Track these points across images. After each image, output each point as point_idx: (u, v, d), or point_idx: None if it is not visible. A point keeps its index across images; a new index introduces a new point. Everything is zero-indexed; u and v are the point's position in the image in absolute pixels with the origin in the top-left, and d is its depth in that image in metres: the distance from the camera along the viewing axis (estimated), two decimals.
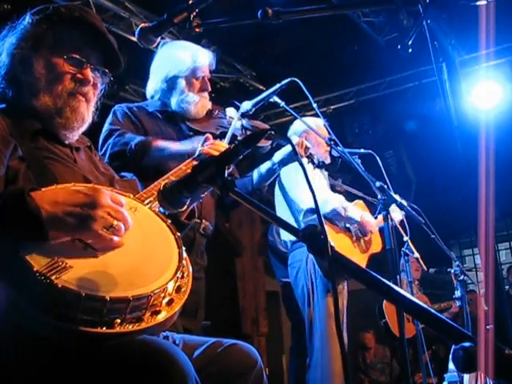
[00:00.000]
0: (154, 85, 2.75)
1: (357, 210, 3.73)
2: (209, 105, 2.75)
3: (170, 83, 2.68)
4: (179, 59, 2.68)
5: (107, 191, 1.33)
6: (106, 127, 2.51)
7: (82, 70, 1.62)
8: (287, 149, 2.73)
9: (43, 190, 1.31)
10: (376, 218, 3.80)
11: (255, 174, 2.84)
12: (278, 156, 2.77)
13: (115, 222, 1.29)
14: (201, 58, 2.72)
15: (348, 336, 3.50)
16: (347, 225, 3.74)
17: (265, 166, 2.82)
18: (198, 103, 2.68)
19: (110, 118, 2.54)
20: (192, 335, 1.75)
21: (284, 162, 2.79)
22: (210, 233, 2.67)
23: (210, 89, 2.77)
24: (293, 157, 2.76)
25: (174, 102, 2.69)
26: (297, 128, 3.87)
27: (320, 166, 2.91)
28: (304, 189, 3.57)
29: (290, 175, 3.70)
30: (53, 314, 1.15)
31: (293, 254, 3.67)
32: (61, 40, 1.62)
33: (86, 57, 1.63)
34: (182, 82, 2.67)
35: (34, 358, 1.21)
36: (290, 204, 3.73)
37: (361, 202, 4.11)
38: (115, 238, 1.29)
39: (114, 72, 1.73)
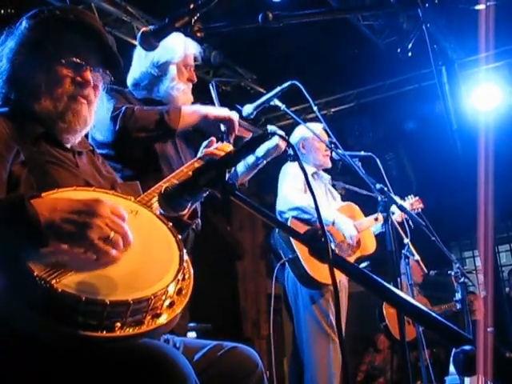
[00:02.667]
0: (140, 70, 2.66)
1: (330, 211, 3.71)
2: (191, 97, 2.71)
3: (162, 69, 2.62)
4: (171, 45, 2.62)
5: (109, 203, 1.30)
6: (108, 106, 2.39)
7: (82, 72, 1.62)
8: (270, 143, 2.73)
9: (43, 195, 1.31)
10: (376, 219, 3.80)
11: (239, 169, 2.85)
12: (262, 150, 2.78)
13: (112, 234, 1.26)
14: (191, 46, 2.69)
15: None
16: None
17: (249, 161, 2.82)
18: (186, 92, 2.66)
19: (106, 98, 2.42)
20: (192, 339, 1.75)
21: (268, 155, 2.80)
22: (199, 229, 2.66)
23: (195, 80, 2.73)
24: (275, 150, 2.76)
25: (162, 89, 2.64)
26: (295, 135, 3.91)
27: (294, 159, 2.91)
28: (285, 192, 3.61)
29: (281, 177, 3.74)
30: (53, 318, 1.15)
31: None
32: (58, 44, 1.62)
33: (84, 59, 1.63)
34: (173, 69, 2.63)
35: (34, 361, 1.21)
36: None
37: (351, 204, 4.10)
38: (112, 251, 1.26)
39: (113, 71, 1.73)
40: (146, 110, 2.39)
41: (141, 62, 2.66)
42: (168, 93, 2.63)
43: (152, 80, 2.64)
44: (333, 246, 3.70)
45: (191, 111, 2.44)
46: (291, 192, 3.64)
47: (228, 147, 2.14)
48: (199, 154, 2.11)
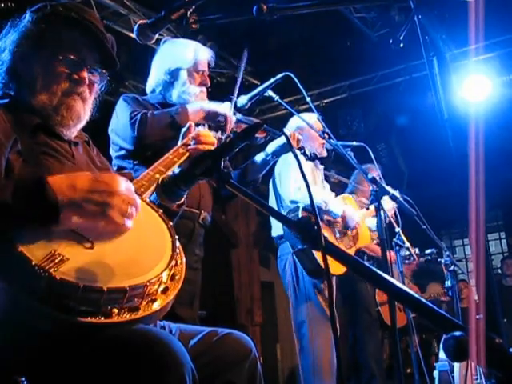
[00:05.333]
0: (155, 78, 2.82)
1: (339, 205, 3.76)
2: (206, 100, 2.80)
3: (173, 75, 2.76)
4: (182, 53, 2.77)
5: (122, 179, 1.35)
6: (126, 113, 2.52)
7: (78, 70, 1.65)
8: (280, 140, 2.79)
9: (60, 176, 1.32)
10: (367, 209, 3.84)
11: (250, 166, 2.89)
12: (272, 147, 2.83)
13: (129, 209, 1.32)
14: (202, 53, 2.82)
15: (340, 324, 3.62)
16: (329, 219, 3.77)
17: (259, 158, 2.87)
18: (198, 96, 2.75)
19: (124, 106, 2.58)
20: (188, 325, 1.78)
21: (277, 153, 2.85)
22: (208, 224, 2.71)
23: (209, 84, 2.83)
24: (286, 148, 2.82)
25: (175, 94, 2.76)
26: (291, 124, 3.93)
27: (312, 158, 2.97)
28: (291, 183, 3.63)
29: (282, 169, 3.75)
30: (52, 306, 1.16)
31: (281, 247, 3.77)
32: (59, 40, 1.64)
33: (83, 58, 1.66)
34: (184, 74, 2.75)
35: (35, 352, 1.23)
36: (277, 197, 3.79)
37: (346, 195, 4.15)
38: (127, 223, 1.33)
39: (110, 71, 1.76)
40: (157, 115, 2.52)
41: (157, 71, 2.82)
42: (180, 97, 2.75)
43: (165, 86, 2.78)
44: (338, 235, 3.77)
45: (196, 109, 2.58)
46: (304, 186, 3.64)
47: (208, 135, 2.15)
48: (180, 140, 2.14)
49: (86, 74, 1.65)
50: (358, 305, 4.53)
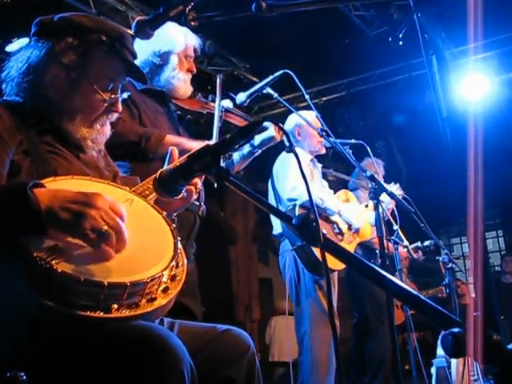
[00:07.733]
0: (141, 58, 2.68)
1: (335, 202, 3.77)
2: (191, 88, 2.77)
3: (163, 58, 2.69)
4: (173, 36, 2.69)
5: (109, 198, 1.30)
6: None
7: (116, 102, 1.69)
8: (267, 133, 2.77)
9: (44, 182, 1.32)
10: (366, 206, 3.85)
11: (236, 157, 2.89)
12: (258, 139, 2.82)
13: (105, 227, 1.25)
14: (191, 38, 2.76)
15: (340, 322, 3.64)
16: (327, 216, 3.78)
17: (245, 150, 2.87)
18: (186, 82, 2.72)
19: None
20: (188, 321, 1.78)
21: (263, 145, 2.84)
22: (204, 216, 2.71)
23: (195, 71, 2.78)
24: (271, 140, 2.80)
25: (163, 78, 2.70)
26: (290, 122, 3.94)
27: (291, 150, 2.95)
28: (288, 182, 3.64)
29: (280, 168, 3.77)
30: (52, 298, 1.16)
31: (282, 245, 3.79)
32: (99, 73, 1.65)
33: (118, 85, 1.69)
34: (174, 58, 2.69)
35: (34, 348, 1.23)
36: (276, 196, 3.80)
37: (346, 191, 4.16)
38: (104, 246, 1.25)
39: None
40: (128, 127, 2.40)
41: (142, 51, 2.66)
42: (169, 82, 2.68)
43: (153, 68, 2.70)
44: (336, 230, 3.77)
45: (175, 143, 2.37)
46: (300, 184, 3.65)
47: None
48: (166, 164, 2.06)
49: (120, 103, 1.70)
50: (365, 296, 4.50)
